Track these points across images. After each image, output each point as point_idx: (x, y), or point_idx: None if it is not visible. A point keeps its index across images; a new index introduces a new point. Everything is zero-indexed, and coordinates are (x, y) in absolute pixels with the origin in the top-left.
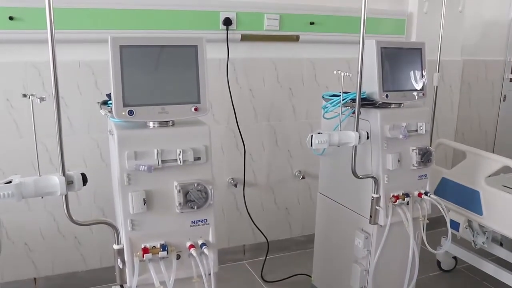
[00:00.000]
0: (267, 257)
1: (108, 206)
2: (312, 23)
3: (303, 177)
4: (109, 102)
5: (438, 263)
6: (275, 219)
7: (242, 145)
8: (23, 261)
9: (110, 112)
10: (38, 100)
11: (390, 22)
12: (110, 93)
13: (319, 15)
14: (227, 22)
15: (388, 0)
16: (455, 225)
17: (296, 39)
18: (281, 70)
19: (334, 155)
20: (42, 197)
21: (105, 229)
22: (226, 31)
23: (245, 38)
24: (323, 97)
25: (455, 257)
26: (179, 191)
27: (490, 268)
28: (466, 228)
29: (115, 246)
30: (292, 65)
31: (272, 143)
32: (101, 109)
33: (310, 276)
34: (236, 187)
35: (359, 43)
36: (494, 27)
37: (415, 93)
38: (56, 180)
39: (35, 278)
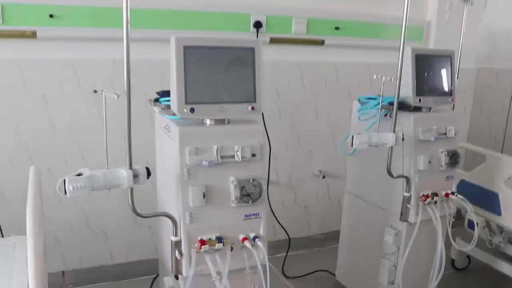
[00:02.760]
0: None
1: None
2: (337, 28)
3: (323, 177)
4: (161, 100)
5: (452, 261)
6: (294, 217)
7: (268, 144)
8: (52, 255)
9: (164, 109)
10: (116, 96)
11: (409, 29)
12: (160, 91)
13: (344, 21)
14: (258, 24)
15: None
16: (471, 225)
17: (321, 43)
18: (305, 73)
19: (363, 156)
20: (109, 190)
21: (133, 223)
22: (256, 34)
23: (273, 41)
24: (359, 100)
25: (468, 256)
26: (236, 186)
27: (504, 267)
28: (484, 228)
29: (173, 238)
30: (316, 68)
31: (295, 143)
32: (154, 106)
33: (331, 273)
34: None
35: (398, 50)
36: (506, 36)
37: (445, 98)
38: (124, 173)
39: (63, 272)
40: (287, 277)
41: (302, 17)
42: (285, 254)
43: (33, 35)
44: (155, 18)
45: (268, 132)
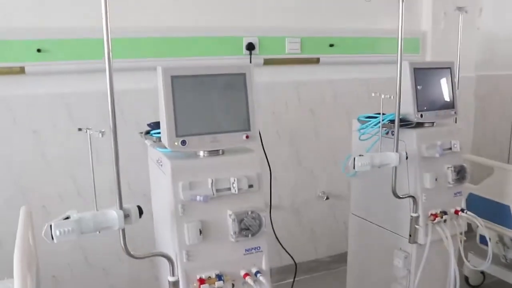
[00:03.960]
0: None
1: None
2: (331, 45)
3: (327, 198)
4: (152, 132)
5: (466, 278)
6: (300, 241)
7: (268, 168)
8: None
9: (155, 141)
10: (101, 134)
11: (405, 41)
12: (152, 123)
13: (338, 37)
14: (250, 47)
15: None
16: (484, 240)
17: (316, 61)
18: (302, 92)
19: (366, 176)
20: (99, 232)
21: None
22: (249, 56)
23: (267, 62)
24: (358, 119)
25: (482, 272)
26: (234, 220)
27: None
28: (497, 243)
29: (170, 278)
30: (312, 87)
31: (296, 165)
32: (145, 139)
33: None
34: None
35: (395, 63)
36: (503, 41)
37: (447, 112)
38: (114, 214)
39: None
40: None
41: (296, 36)
42: (292, 280)
43: (21, 70)
44: (145, 47)
45: (267, 156)
